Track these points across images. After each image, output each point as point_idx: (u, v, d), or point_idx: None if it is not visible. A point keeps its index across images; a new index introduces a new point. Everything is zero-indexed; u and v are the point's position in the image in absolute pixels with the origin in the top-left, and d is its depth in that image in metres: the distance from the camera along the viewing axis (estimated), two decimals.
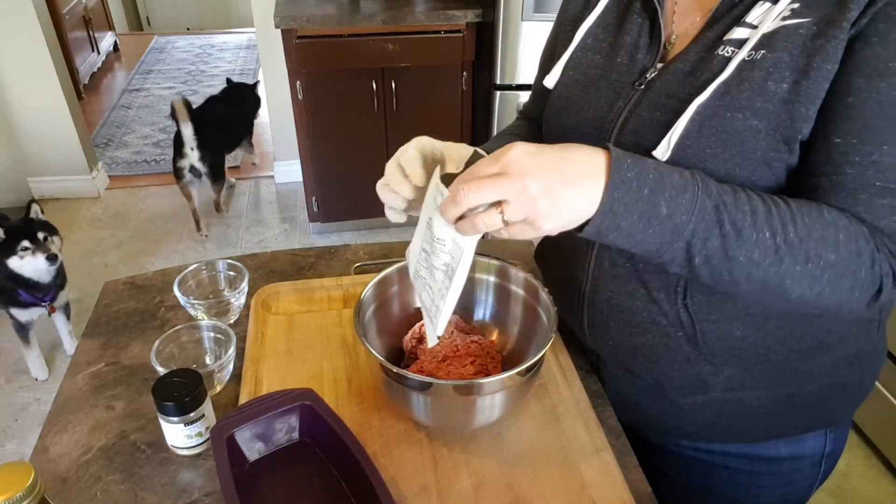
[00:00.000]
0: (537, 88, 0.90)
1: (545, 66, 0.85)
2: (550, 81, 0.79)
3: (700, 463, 0.85)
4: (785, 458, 0.82)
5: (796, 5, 0.60)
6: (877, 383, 1.61)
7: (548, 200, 0.54)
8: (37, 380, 2.21)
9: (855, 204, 0.60)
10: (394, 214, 0.72)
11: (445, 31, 2.49)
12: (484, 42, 2.48)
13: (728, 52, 0.63)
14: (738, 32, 0.63)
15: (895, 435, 1.88)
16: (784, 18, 0.60)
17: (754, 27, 0.62)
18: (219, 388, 0.87)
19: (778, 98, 0.60)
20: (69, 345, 2.28)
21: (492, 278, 0.88)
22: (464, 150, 0.70)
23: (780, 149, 0.62)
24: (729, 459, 0.83)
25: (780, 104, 0.60)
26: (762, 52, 0.61)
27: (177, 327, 0.88)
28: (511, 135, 0.91)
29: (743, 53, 0.62)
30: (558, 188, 0.54)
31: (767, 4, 0.62)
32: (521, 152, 0.54)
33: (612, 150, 0.56)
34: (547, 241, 0.93)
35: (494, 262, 0.86)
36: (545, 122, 0.82)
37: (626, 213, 0.56)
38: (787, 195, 0.62)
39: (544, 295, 0.80)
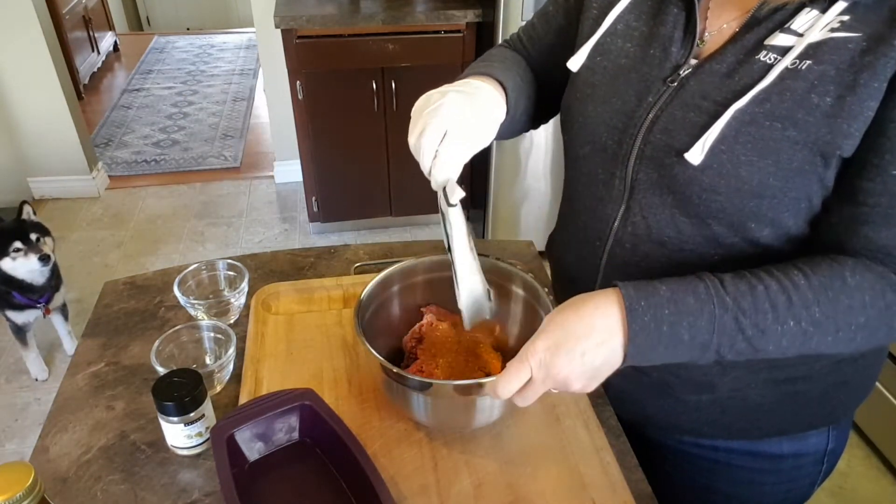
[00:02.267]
0: (538, 32, 0.87)
1: (545, 15, 0.86)
2: (575, 65, 0.76)
3: (702, 460, 0.85)
4: (787, 455, 0.82)
5: (846, 17, 0.58)
6: (877, 383, 1.61)
7: (576, 382, 0.61)
8: (37, 380, 2.21)
9: None
10: None
11: (445, 31, 2.49)
12: (484, 42, 2.48)
13: (770, 59, 0.61)
14: (780, 39, 0.61)
15: (895, 435, 1.88)
16: (832, 30, 0.59)
17: (799, 35, 0.60)
18: (219, 388, 0.87)
19: (820, 112, 0.59)
20: (69, 345, 2.28)
21: (492, 278, 0.87)
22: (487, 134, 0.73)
23: (816, 162, 0.61)
24: (731, 456, 0.83)
25: (821, 118, 0.59)
26: (807, 62, 0.59)
27: (177, 327, 0.88)
28: (500, 62, 0.83)
29: (787, 62, 0.60)
30: (582, 370, 0.60)
31: (815, 13, 0.60)
32: (541, 354, 0.60)
33: (623, 294, 0.59)
34: (557, 236, 0.93)
35: (494, 262, 0.86)
36: (565, 108, 0.80)
37: (651, 350, 0.60)
38: (820, 210, 0.64)
39: (544, 295, 0.80)
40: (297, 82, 2.51)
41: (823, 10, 0.60)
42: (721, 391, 0.77)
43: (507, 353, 0.85)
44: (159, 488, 0.74)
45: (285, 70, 2.51)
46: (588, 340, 0.60)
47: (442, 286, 0.89)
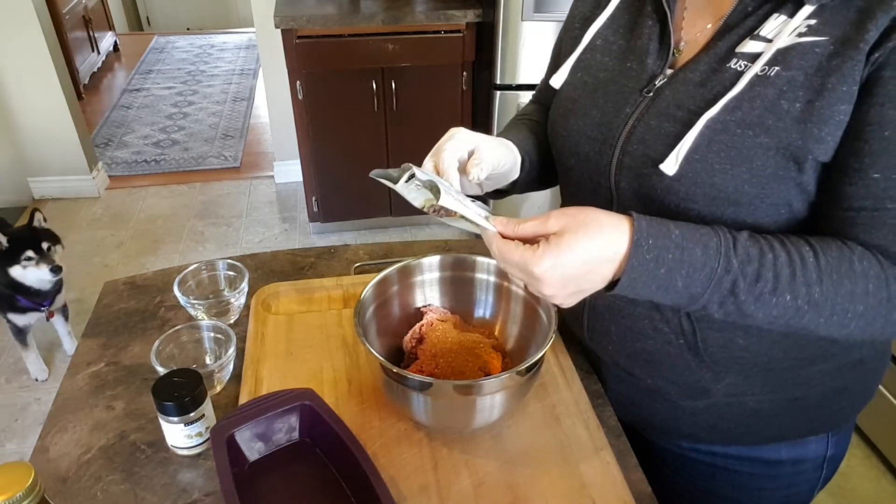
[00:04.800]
0: (545, 84, 0.89)
1: (555, 63, 0.85)
2: (557, 81, 0.78)
3: (701, 464, 0.85)
4: (786, 461, 0.82)
5: (813, 21, 0.58)
6: None
7: (557, 298, 0.61)
8: (37, 380, 2.21)
9: (895, 241, 0.59)
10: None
11: (445, 31, 2.49)
12: (484, 42, 2.48)
13: (740, 66, 0.61)
14: (750, 45, 0.62)
15: (895, 435, 1.88)
16: (800, 35, 0.59)
17: (768, 41, 0.60)
18: (219, 388, 0.87)
19: (790, 117, 0.59)
20: (69, 345, 2.28)
21: (492, 278, 0.88)
22: (498, 154, 0.73)
23: (789, 167, 0.61)
24: (730, 461, 0.83)
25: (791, 123, 0.59)
26: (776, 68, 0.59)
27: (177, 327, 0.88)
28: (529, 120, 0.89)
29: (756, 68, 0.60)
30: (574, 292, 0.60)
31: (783, 17, 0.60)
32: (545, 270, 0.58)
33: (635, 226, 0.58)
34: None
35: (494, 261, 0.86)
36: (551, 123, 0.81)
37: (644, 287, 0.60)
38: (807, 215, 0.63)
39: None
40: (297, 82, 2.51)
41: (791, 15, 0.59)
42: (716, 397, 0.76)
43: (508, 353, 0.85)
44: (159, 488, 0.74)
45: (285, 70, 2.51)
46: (588, 277, 0.59)
47: (442, 286, 0.89)
